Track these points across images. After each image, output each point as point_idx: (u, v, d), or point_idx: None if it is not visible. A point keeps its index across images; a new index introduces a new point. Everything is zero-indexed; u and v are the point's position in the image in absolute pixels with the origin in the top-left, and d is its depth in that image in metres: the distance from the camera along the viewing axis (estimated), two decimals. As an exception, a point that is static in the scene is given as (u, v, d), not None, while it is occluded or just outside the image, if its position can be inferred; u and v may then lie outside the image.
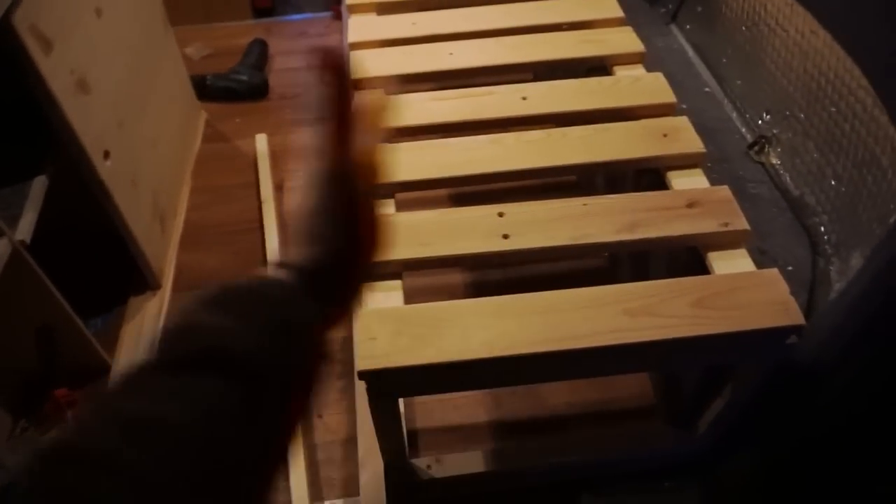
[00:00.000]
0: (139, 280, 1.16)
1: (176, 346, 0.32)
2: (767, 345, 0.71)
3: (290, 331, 0.34)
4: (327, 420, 1.01)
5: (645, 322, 0.68)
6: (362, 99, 0.50)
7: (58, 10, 0.87)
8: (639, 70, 1.00)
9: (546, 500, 0.91)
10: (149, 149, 1.18)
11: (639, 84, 0.95)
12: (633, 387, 1.03)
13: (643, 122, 0.90)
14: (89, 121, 0.93)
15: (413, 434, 0.97)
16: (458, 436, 0.97)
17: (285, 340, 0.33)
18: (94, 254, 1.12)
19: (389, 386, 0.69)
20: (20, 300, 0.87)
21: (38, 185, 0.89)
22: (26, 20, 0.79)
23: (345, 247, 0.39)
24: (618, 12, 1.09)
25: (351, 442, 0.97)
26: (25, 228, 0.84)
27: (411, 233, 0.76)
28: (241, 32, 1.78)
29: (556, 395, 1.02)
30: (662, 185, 0.86)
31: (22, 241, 0.82)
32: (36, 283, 0.88)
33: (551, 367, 0.71)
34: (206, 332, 0.32)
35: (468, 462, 0.92)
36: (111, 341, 1.09)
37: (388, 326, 0.67)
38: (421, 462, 0.91)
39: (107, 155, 0.98)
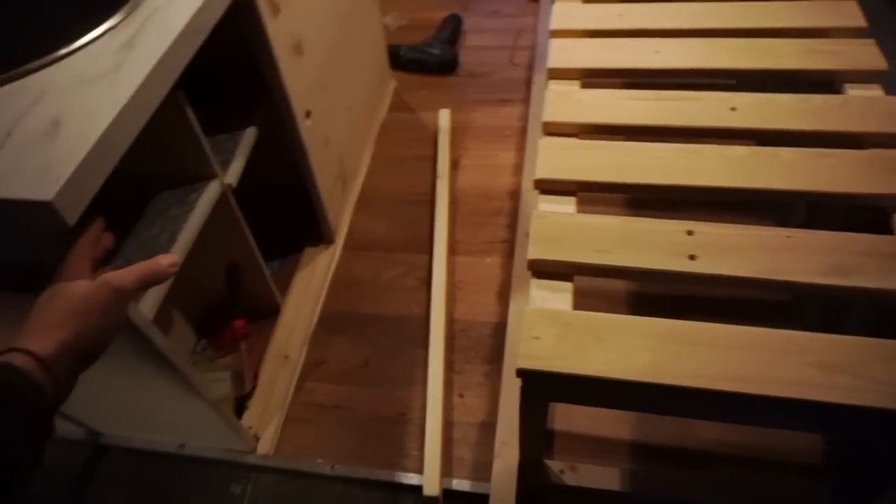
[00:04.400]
0: (315, 233, 1.24)
1: None
2: None
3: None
4: (468, 401, 1.02)
5: (840, 381, 0.60)
6: None
7: (288, -23, 0.94)
8: (876, 91, 0.88)
9: (680, 536, 0.86)
10: (343, 112, 1.25)
11: (874, 107, 0.84)
12: (797, 440, 0.93)
13: (873, 151, 0.79)
14: (299, 81, 1.00)
15: (550, 434, 0.96)
16: (596, 447, 0.94)
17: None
18: (280, 203, 1.21)
19: (546, 389, 0.68)
20: (219, 238, 0.96)
21: (249, 135, 0.98)
22: (263, -15, 0.85)
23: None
24: (859, 20, 0.96)
25: (487, 427, 0.98)
26: (234, 173, 0.92)
27: (589, 236, 0.74)
28: (437, 6, 1.81)
29: (707, 429, 0.95)
30: (883, 228, 0.75)
31: (230, 185, 0.91)
32: (235, 223, 0.97)
33: (717, 407, 0.66)
34: None
35: (602, 477, 0.89)
36: (284, 285, 1.18)
37: (553, 329, 0.66)
38: (555, 465, 0.90)
39: (308, 114, 1.05)
